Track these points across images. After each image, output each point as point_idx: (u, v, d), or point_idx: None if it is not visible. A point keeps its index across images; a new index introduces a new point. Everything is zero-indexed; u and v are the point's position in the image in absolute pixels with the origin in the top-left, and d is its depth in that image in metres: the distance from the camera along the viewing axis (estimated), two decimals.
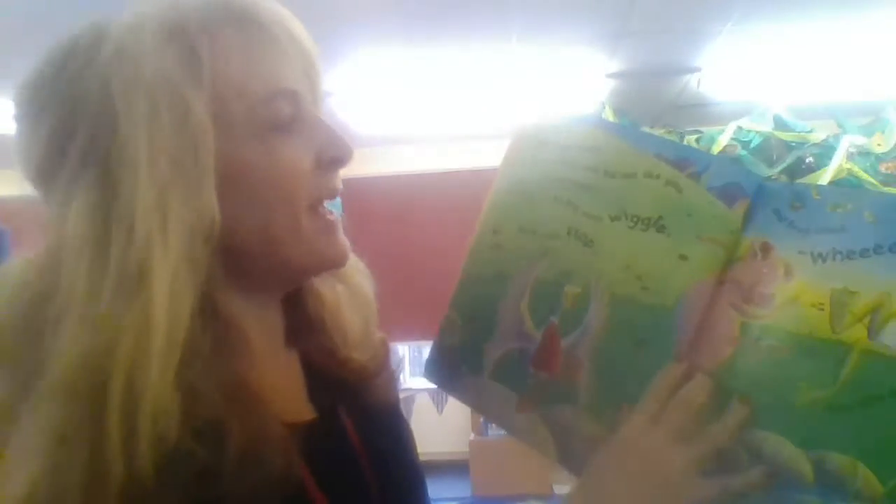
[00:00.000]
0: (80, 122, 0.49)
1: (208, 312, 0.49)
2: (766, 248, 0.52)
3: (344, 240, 0.58)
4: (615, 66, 3.37)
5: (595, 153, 0.60)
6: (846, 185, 2.73)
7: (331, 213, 0.57)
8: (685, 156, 0.56)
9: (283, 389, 0.58)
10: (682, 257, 0.54)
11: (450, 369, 0.66)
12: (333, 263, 0.59)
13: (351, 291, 0.66)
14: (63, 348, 0.44)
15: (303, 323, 0.63)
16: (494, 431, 4.20)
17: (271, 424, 0.50)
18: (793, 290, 0.50)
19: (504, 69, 3.27)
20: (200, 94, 0.50)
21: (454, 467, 4.76)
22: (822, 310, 0.49)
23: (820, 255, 0.50)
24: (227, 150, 0.51)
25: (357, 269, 0.68)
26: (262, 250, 0.54)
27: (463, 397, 0.66)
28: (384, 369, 0.67)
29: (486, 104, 3.66)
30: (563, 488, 3.34)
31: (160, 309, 0.45)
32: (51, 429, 0.43)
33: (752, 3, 2.78)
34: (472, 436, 4.52)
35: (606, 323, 0.57)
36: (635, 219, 0.56)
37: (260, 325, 0.57)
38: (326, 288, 0.65)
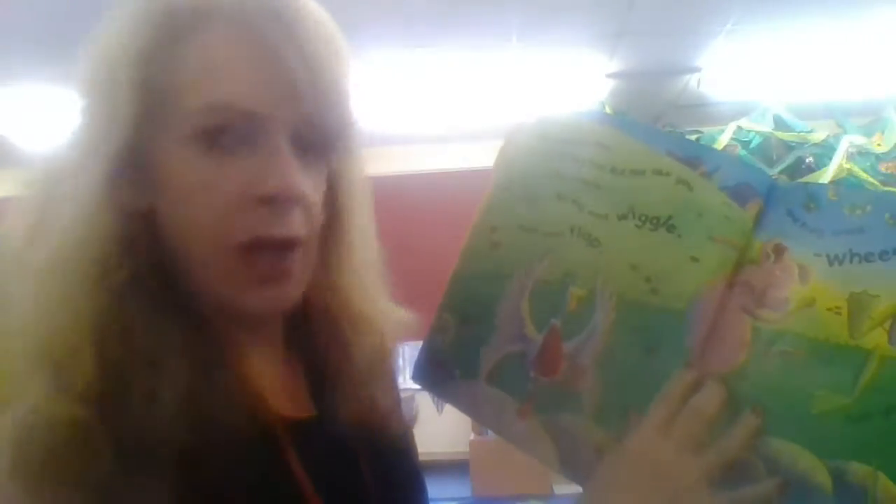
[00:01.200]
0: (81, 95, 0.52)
1: (173, 308, 0.49)
2: (779, 250, 0.50)
3: (280, 286, 0.51)
4: (615, 66, 3.37)
5: (601, 149, 0.57)
6: (846, 185, 2.73)
7: (271, 260, 0.50)
8: (696, 154, 0.53)
9: (283, 386, 0.58)
10: (694, 259, 0.52)
11: (442, 373, 0.63)
12: (251, 311, 0.52)
13: (363, 336, 0.62)
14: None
15: (306, 328, 0.62)
16: None
17: (260, 413, 0.50)
18: (808, 294, 0.48)
19: (504, 69, 3.27)
20: (144, 80, 0.49)
21: (454, 467, 4.75)
22: (840, 314, 0.47)
23: (836, 257, 0.48)
24: (156, 144, 0.50)
25: (384, 316, 0.63)
26: (187, 278, 0.51)
27: (456, 402, 0.63)
28: (385, 374, 0.66)
29: (486, 104, 3.66)
30: (563, 488, 3.33)
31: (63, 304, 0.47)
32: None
33: (752, 3, 2.78)
34: (472, 436, 4.52)
35: (613, 327, 0.54)
36: (644, 217, 0.54)
37: (248, 328, 0.56)
38: (331, 325, 0.62)
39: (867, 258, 0.47)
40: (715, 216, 0.52)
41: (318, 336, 0.62)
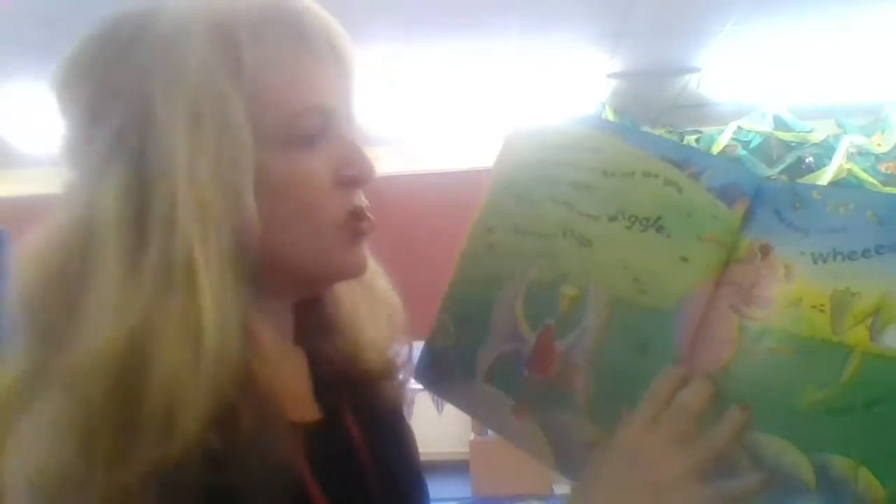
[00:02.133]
0: (117, 104, 0.50)
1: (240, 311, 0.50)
2: (765, 249, 0.51)
3: (363, 252, 0.59)
4: (615, 66, 3.37)
5: (592, 153, 0.59)
6: (846, 185, 2.73)
7: (364, 222, 0.57)
8: (684, 155, 0.55)
9: (290, 388, 0.59)
10: (683, 259, 0.53)
11: (441, 372, 0.65)
12: (346, 274, 0.59)
13: (372, 294, 0.66)
14: (96, 329, 0.45)
15: (314, 323, 0.63)
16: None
17: (279, 422, 0.50)
18: (793, 292, 0.49)
19: (504, 69, 3.27)
20: (240, 96, 0.50)
21: (454, 467, 4.76)
22: (823, 311, 0.48)
23: (820, 255, 0.49)
24: (257, 155, 0.51)
25: (377, 273, 0.67)
26: (280, 259, 0.54)
27: (455, 401, 0.65)
28: (395, 373, 0.67)
29: (486, 104, 3.66)
30: (563, 488, 3.33)
31: (208, 311, 0.47)
32: (75, 410, 0.44)
33: (752, 3, 2.78)
34: (472, 436, 4.52)
35: (605, 326, 0.55)
36: (633, 219, 0.55)
37: (272, 324, 0.58)
38: (345, 290, 0.64)
39: (850, 256, 0.48)
40: (703, 216, 0.53)
41: (324, 335, 0.63)
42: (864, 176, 2.77)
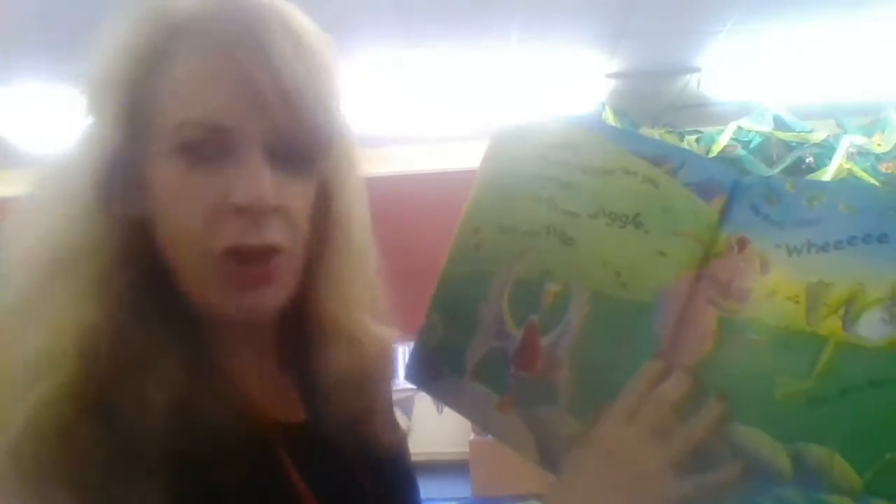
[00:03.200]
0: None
1: (166, 313, 0.51)
2: (742, 243, 0.52)
3: (252, 300, 0.52)
4: (615, 66, 3.37)
5: (573, 150, 0.59)
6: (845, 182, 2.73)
7: (247, 269, 0.51)
8: (662, 152, 0.56)
9: (275, 392, 0.58)
10: (661, 253, 0.54)
11: (431, 370, 0.65)
12: (230, 316, 0.53)
13: (353, 350, 0.63)
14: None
15: (298, 331, 0.63)
16: None
17: (251, 416, 0.50)
18: (769, 284, 0.50)
19: (504, 69, 3.27)
20: (141, 92, 0.52)
21: (454, 467, 4.76)
22: (798, 303, 0.49)
23: (795, 248, 0.50)
24: (145, 160, 0.52)
25: (371, 336, 0.64)
26: (176, 283, 0.53)
27: (444, 398, 0.65)
28: (382, 375, 0.67)
29: (486, 104, 3.66)
30: None
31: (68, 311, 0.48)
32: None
33: (752, 3, 2.78)
34: (472, 436, 4.52)
35: (586, 321, 0.56)
36: (613, 215, 0.56)
37: (248, 330, 0.57)
38: (329, 296, 0.62)
39: (823, 248, 0.49)
40: (680, 212, 0.54)
41: (309, 344, 0.63)
42: (864, 176, 2.77)
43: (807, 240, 0.50)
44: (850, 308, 0.47)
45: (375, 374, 0.65)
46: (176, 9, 0.52)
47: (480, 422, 0.63)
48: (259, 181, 0.50)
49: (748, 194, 0.52)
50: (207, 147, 0.50)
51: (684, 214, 0.54)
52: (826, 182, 0.55)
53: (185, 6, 0.52)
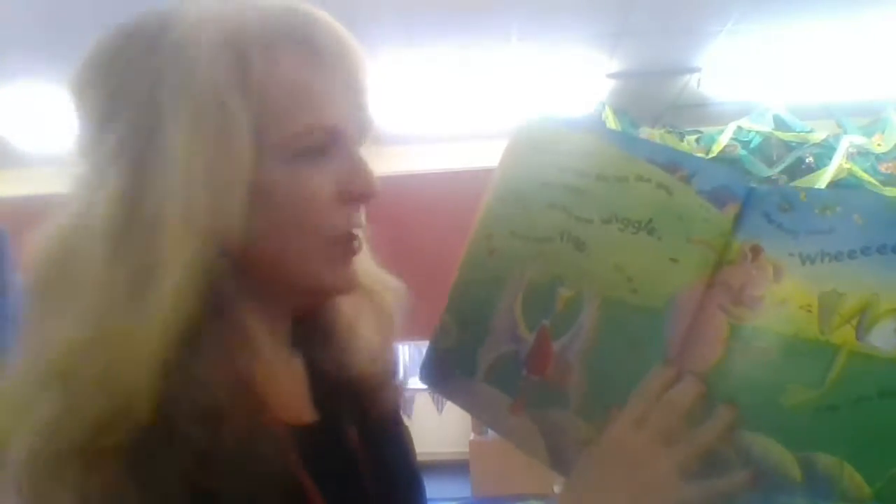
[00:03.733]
0: (125, 109, 0.51)
1: (217, 313, 0.51)
2: (755, 251, 0.52)
3: (353, 270, 0.58)
4: (615, 66, 3.37)
5: (587, 157, 0.60)
6: (846, 185, 2.73)
7: (353, 241, 0.57)
8: (675, 159, 0.56)
9: (287, 391, 0.59)
10: (673, 260, 0.54)
11: (443, 372, 0.67)
12: (334, 292, 0.59)
13: (375, 308, 0.66)
14: (65, 333, 0.47)
15: (313, 329, 0.64)
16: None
17: (269, 420, 0.51)
18: (782, 293, 0.50)
19: (504, 69, 3.27)
20: (246, 108, 0.50)
21: (454, 467, 4.76)
22: (811, 311, 0.49)
23: (808, 256, 0.50)
24: (258, 168, 0.51)
25: (388, 287, 0.67)
26: (272, 269, 0.55)
27: (456, 400, 0.66)
28: (390, 381, 0.67)
29: (486, 104, 3.66)
30: None
31: (161, 306, 0.47)
32: (52, 408, 0.45)
33: (752, 3, 2.78)
34: (472, 436, 4.53)
35: (597, 326, 0.57)
36: (626, 222, 0.57)
37: (268, 329, 0.58)
38: (347, 299, 0.64)
39: (837, 257, 0.49)
40: (693, 219, 0.54)
41: (322, 340, 0.63)
42: (864, 176, 2.77)
43: (820, 249, 0.50)
44: (864, 318, 0.47)
45: (384, 371, 0.66)
46: (250, 19, 0.52)
47: (491, 423, 0.64)
48: (371, 172, 0.57)
49: (762, 203, 0.53)
50: (321, 147, 0.54)
51: (697, 221, 0.54)
52: (839, 192, 0.55)
53: (255, 19, 0.53)
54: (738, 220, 0.53)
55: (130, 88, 0.51)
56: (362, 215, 0.58)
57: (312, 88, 0.54)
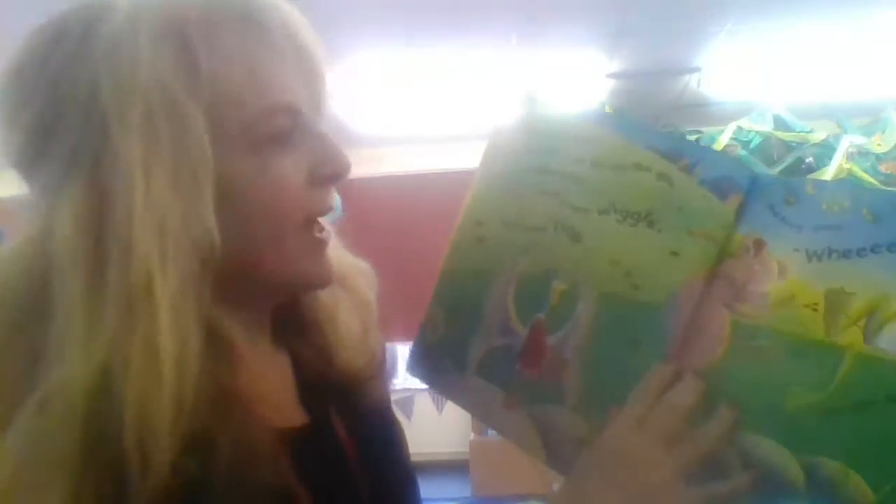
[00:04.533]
0: (66, 119, 0.46)
1: (202, 328, 0.47)
2: (758, 245, 0.50)
3: (328, 261, 0.56)
4: (615, 66, 3.37)
5: (583, 144, 0.57)
6: (844, 180, 2.72)
7: (323, 230, 0.56)
8: (677, 148, 0.53)
9: (273, 394, 0.57)
10: (674, 253, 0.52)
11: (434, 365, 0.64)
12: (315, 284, 0.57)
13: (351, 294, 0.65)
14: (69, 371, 0.43)
15: (294, 323, 0.62)
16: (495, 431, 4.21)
17: (259, 434, 0.49)
18: (786, 289, 0.48)
19: (504, 69, 3.27)
20: (198, 103, 0.47)
21: (454, 467, 4.76)
22: (816, 310, 0.47)
23: (815, 253, 0.48)
24: (220, 162, 0.48)
25: (360, 272, 0.66)
26: (247, 267, 0.52)
27: (448, 394, 0.64)
28: (378, 373, 0.66)
29: (486, 104, 3.66)
30: None
31: (166, 336, 0.44)
32: (61, 455, 0.42)
33: (752, 3, 2.77)
34: (472, 436, 4.52)
35: (594, 321, 0.55)
36: (624, 213, 0.54)
37: (247, 330, 0.56)
38: (325, 291, 0.63)
39: (845, 255, 0.47)
40: (694, 210, 0.52)
41: (304, 336, 0.62)
42: (864, 176, 2.77)
43: (827, 245, 0.47)
44: (873, 319, 0.45)
45: (373, 370, 0.65)
46: (184, 11, 0.49)
47: (485, 419, 0.62)
48: (340, 150, 0.54)
49: (766, 194, 0.50)
50: (284, 129, 0.52)
51: (699, 213, 0.52)
52: (848, 187, 0.52)
53: (190, 4, 0.49)
54: (741, 211, 0.51)
55: (69, 92, 0.46)
56: (333, 196, 0.56)
57: (264, 69, 0.50)
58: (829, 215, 0.48)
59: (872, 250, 0.46)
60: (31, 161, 0.49)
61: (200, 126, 0.47)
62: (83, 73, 0.46)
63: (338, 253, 0.62)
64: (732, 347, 0.50)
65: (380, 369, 0.66)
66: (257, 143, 0.50)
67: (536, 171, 0.59)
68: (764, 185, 0.51)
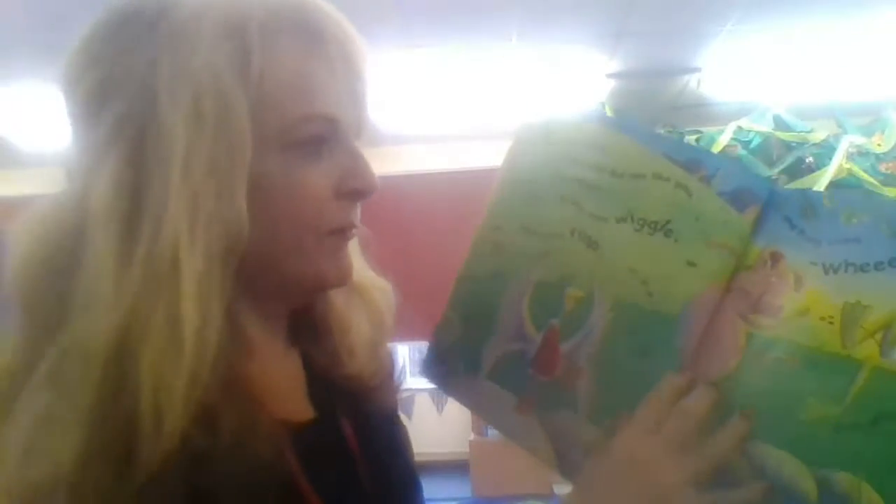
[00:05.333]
0: (122, 89, 0.50)
1: (223, 312, 0.50)
2: (775, 257, 0.50)
3: (348, 260, 0.58)
4: (615, 66, 3.36)
5: (603, 152, 0.57)
6: (846, 185, 2.72)
7: (347, 236, 0.57)
8: (696, 158, 0.54)
9: (283, 388, 0.58)
10: (690, 263, 0.52)
11: (447, 368, 0.65)
12: (332, 283, 0.58)
13: (366, 307, 0.66)
14: (92, 325, 0.45)
15: (308, 325, 0.63)
16: (494, 431, 4.21)
17: (263, 417, 0.50)
18: (802, 302, 0.48)
19: (504, 69, 3.27)
20: (245, 97, 0.50)
21: (454, 467, 4.76)
22: (833, 323, 0.47)
23: (832, 266, 0.48)
24: (254, 160, 0.51)
25: (379, 288, 0.67)
26: (266, 263, 0.54)
27: (460, 397, 0.65)
28: (386, 380, 0.67)
29: (486, 104, 3.66)
30: (563, 488, 3.33)
31: (188, 309, 0.46)
32: (76, 405, 0.44)
33: (752, 3, 2.77)
34: (472, 436, 4.52)
35: (608, 328, 0.55)
36: (642, 221, 0.55)
37: (263, 324, 0.57)
38: (339, 295, 0.64)
39: (862, 268, 0.47)
40: (712, 221, 0.52)
41: (317, 336, 0.63)
42: (864, 176, 2.76)
43: (844, 258, 0.47)
44: (889, 333, 0.45)
45: (381, 369, 0.65)
46: (249, 11, 0.51)
47: (496, 422, 0.62)
48: (370, 168, 0.56)
49: (783, 206, 0.51)
50: (322, 140, 0.53)
51: (717, 224, 0.52)
52: (867, 199, 0.52)
53: (258, 6, 0.52)
54: (759, 223, 0.51)
55: (127, 71, 0.50)
56: (358, 211, 0.58)
57: (312, 77, 0.53)
58: (848, 228, 0.48)
59: (891, 264, 0.46)
60: (83, 120, 0.51)
61: (244, 118, 0.50)
62: (146, 50, 0.50)
63: (359, 265, 0.63)
64: (747, 359, 0.50)
65: (387, 377, 0.67)
66: (291, 146, 0.52)
67: (555, 178, 0.60)
68: (782, 197, 0.51)
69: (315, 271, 0.56)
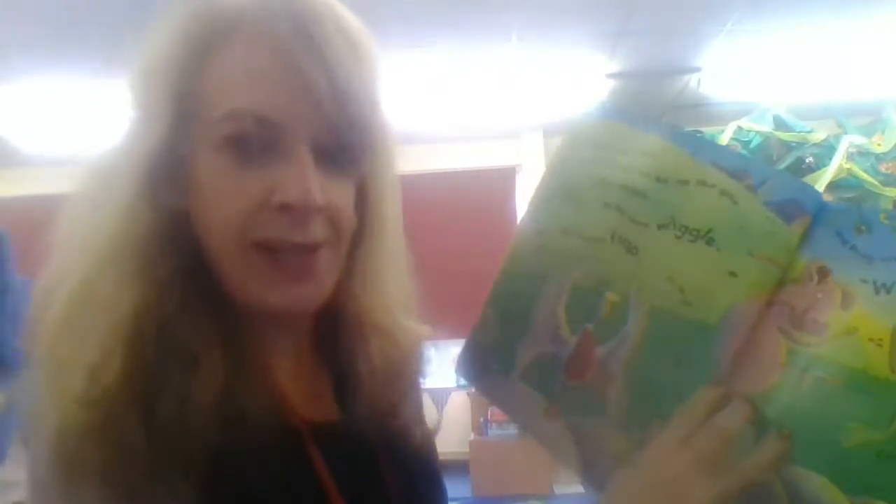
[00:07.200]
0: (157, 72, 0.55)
1: (209, 307, 0.51)
2: (822, 272, 0.48)
3: (292, 292, 0.53)
4: (615, 66, 3.36)
5: (649, 157, 0.56)
6: (846, 185, 2.72)
7: (294, 259, 0.52)
8: (743, 166, 0.52)
9: (309, 389, 0.58)
10: (731, 274, 0.51)
11: (480, 366, 0.64)
12: (272, 306, 0.53)
13: (389, 348, 0.63)
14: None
15: (332, 327, 0.62)
16: (494, 431, 4.20)
17: (289, 416, 0.50)
18: (850, 321, 0.46)
19: (504, 69, 3.26)
20: (187, 86, 0.51)
21: (454, 467, 4.75)
22: (881, 345, 0.45)
23: (884, 286, 0.46)
24: (193, 150, 0.51)
25: (411, 336, 0.65)
26: (219, 273, 0.53)
27: (490, 396, 0.64)
28: (414, 370, 0.66)
29: (486, 104, 3.66)
30: (563, 488, 3.33)
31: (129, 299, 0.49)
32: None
33: (752, 3, 2.77)
34: (472, 436, 4.51)
35: (644, 335, 0.54)
36: (684, 228, 0.53)
37: (286, 325, 0.57)
38: (362, 293, 0.62)
39: None
40: (757, 232, 0.50)
41: (344, 341, 0.62)
42: (864, 176, 2.77)
43: None
44: None
45: (408, 370, 0.65)
46: (226, 4, 0.52)
47: (525, 424, 0.61)
48: (307, 181, 0.50)
49: (835, 220, 0.49)
50: (255, 141, 0.50)
51: (762, 235, 0.50)
52: None
53: (236, 1, 0.52)
54: (807, 237, 0.49)
55: (133, 80, 0.55)
56: (314, 228, 0.52)
57: (250, 75, 0.50)
58: None
59: None
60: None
61: (167, 110, 0.51)
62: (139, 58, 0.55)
63: (380, 304, 0.61)
64: (787, 375, 0.48)
65: (417, 369, 0.67)
66: (223, 147, 0.51)
67: (599, 183, 0.58)
68: (833, 211, 0.49)
69: (251, 291, 0.52)
